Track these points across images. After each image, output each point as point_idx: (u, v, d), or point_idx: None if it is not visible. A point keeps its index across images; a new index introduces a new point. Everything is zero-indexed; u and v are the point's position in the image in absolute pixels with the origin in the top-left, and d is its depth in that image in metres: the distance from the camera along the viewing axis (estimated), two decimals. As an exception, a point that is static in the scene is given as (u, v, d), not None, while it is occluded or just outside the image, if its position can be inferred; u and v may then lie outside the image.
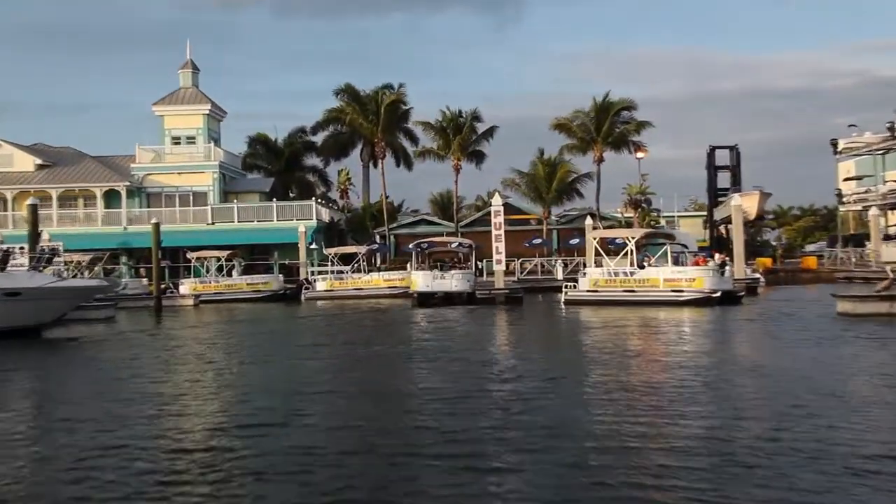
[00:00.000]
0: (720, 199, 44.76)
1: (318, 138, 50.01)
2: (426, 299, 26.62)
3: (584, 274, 25.71)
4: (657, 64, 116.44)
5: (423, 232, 42.61)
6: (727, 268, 25.24)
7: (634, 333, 14.17)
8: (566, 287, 25.74)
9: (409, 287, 28.30)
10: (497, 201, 28.10)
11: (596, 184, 43.16)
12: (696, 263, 25.61)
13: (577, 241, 36.83)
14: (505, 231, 27.82)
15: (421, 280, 27.02)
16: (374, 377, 11.13)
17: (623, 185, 44.18)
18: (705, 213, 50.26)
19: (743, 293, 24.36)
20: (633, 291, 24.08)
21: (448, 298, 26.87)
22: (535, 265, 37.15)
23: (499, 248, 27.06)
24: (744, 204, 34.41)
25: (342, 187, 49.42)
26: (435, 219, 49.28)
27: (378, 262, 41.68)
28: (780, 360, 11.49)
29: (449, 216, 54.19)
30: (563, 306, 24.29)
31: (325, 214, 42.97)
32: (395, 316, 22.78)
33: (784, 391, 9.14)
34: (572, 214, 46.96)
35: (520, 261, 37.06)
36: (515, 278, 34.60)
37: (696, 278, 23.35)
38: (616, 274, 24.75)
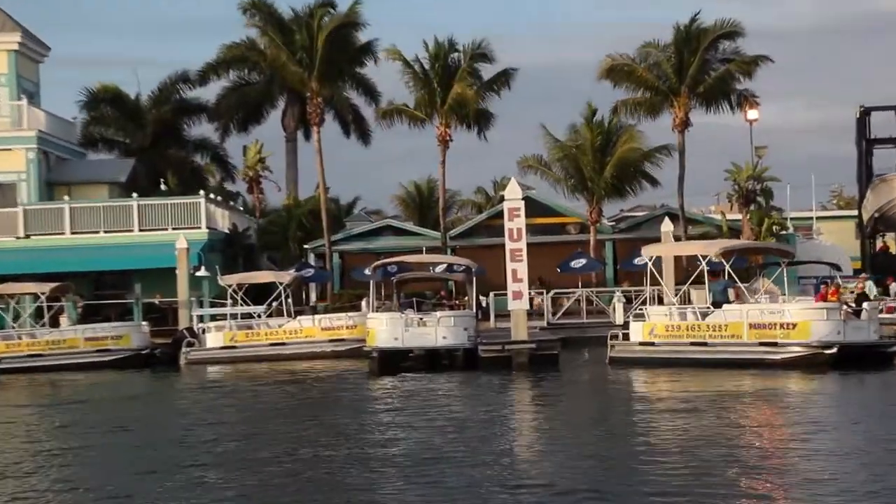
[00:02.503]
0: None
1: (211, 92, 49.91)
2: (393, 362, 27.02)
3: (639, 316, 27.00)
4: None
5: (389, 248, 42.57)
6: (875, 304, 26.24)
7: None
8: (612, 339, 27.13)
9: (363, 340, 28.57)
10: (514, 193, 27.96)
11: (678, 164, 42.72)
12: (823, 296, 26.24)
13: (644, 259, 36.19)
14: (528, 245, 27.80)
15: (385, 329, 27.30)
16: None
17: (724, 168, 43.88)
18: (857, 211, 50.14)
19: (895, 349, 24.91)
20: (704, 345, 25.22)
21: (431, 359, 27.48)
22: (579, 300, 37.39)
23: (518, 272, 26.89)
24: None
25: (252, 174, 49.34)
26: (408, 226, 49.07)
27: (313, 298, 41.99)
28: None
29: (431, 221, 54.13)
30: (608, 368, 25.86)
31: (224, 220, 43.01)
32: (337, 397, 23.01)
33: None
34: (638, 216, 47.03)
35: (551, 293, 37.34)
36: (545, 323, 35.26)
37: (796, 324, 23.98)
38: (685, 317, 25.89)
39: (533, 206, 37.34)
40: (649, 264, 28.24)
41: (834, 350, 23.61)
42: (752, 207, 42.36)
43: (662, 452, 13.46)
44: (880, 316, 29.33)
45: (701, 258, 26.78)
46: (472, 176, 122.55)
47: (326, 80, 43.08)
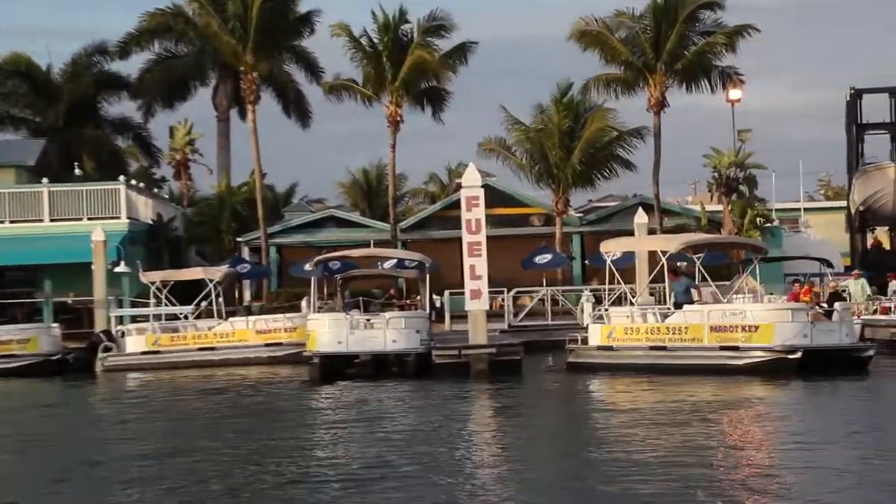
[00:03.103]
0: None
1: (132, 66, 49.81)
2: (336, 368, 27.13)
3: (600, 318, 27.63)
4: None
5: (332, 241, 43.09)
6: (848, 304, 26.60)
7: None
8: (571, 343, 27.74)
9: (303, 345, 28.51)
10: (473, 180, 27.71)
11: (654, 149, 43.08)
12: (795, 296, 26.54)
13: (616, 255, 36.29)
14: (488, 238, 27.69)
15: (327, 331, 27.30)
16: None
17: (703, 153, 44.44)
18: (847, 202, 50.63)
19: (870, 354, 25.03)
20: (664, 349, 25.61)
21: (379, 366, 27.54)
22: (543, 299, 37.65)
23: (476, 268, 26.85)
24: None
25: (179, 158, 49.17)
26: (353, 216, 49.38)
27: (247, 297, 41.99)
28: None
29: (379, 212, 54.52)
30: (566, 375, 26.38)
31: (146, 209, 42.80)
32: (273, 408, 22.86)
33: None
34: (609, 206, 47.42)
35: (512, 292, 37.43)
36: (506, 325, 35.44)
37: (759, 327, 24.18)
38: (645, 317, 26.39)
39: (493, 196, 37.47)
40: (608, 261, 28.67)
41: (798, 355, 23.72)
42: (733, 197, 42.74)
43: (621, 472, 13.43)
44: (872, 318, 29.84)
45: (661, 254, 27.20)
46: (425, 162, 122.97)
47: (263, 53, 42.99)
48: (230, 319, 34.20)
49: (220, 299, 34.88)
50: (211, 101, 49.63)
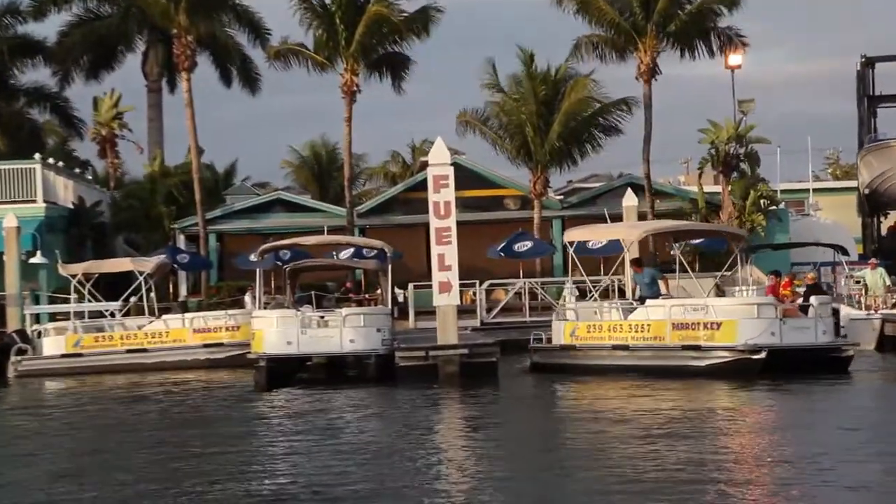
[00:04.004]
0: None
1: (49, 28, 49.50)
2: (285, 373, 27.28)
3: (563, 314, 28.65)
4: None
5: (280, 227, 43.49)
6: (827, 298, 27.08)
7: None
8: (535, 342, 28.75)
9: (247, 346, 28.71)
10: (441, 156, 27.62)
11: (644, 121, 43.20)
12: (774, 289, 27.24)
13: (600, 242, 36.65)
14: (458, 223, 27.56)
15: (275, 330, 27.36)
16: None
17: (700, 127, 44.48)
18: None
19: (850, 353, 25.62)
20: (626, 349, 26.57)
21: (334, 369, 27.99)
22: (520, 293, 37.91)
23: (446, 257, 26.82)
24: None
25: (105, 134, 48.59)
26: (304, 200, 49.17)
27: (183, 291, 42.32)
28: None
29: (333, 195, 54.48)
30: (529, 378, 27.46)
31: (67, 191, 42.67)
32: (213, 418, 22.99)
33: None
34: (594, 188, 47.58)
35: (485, 285, 37.71)
36: (479, 322, 35.84)
37: (721, 324, 24.82)
38: (609, 314, 27.32)
39: (463, 176, 37.63)
40: (571, 251, 29.30)
41: (762, 355, 24.17)
42: (733, 176, 42.89)
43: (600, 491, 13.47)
44: (893, 312, 29.79)
45: (624, 243, 27.89)
46: (385, 140, 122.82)
47: (198, 13, 42.85)
48: (163, 317, 34.25)
49: (152, 294, 34.86)
50: (140, 68, 49.59)
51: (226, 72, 49.60)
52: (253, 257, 32.51)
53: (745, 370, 24.15)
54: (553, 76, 42.53)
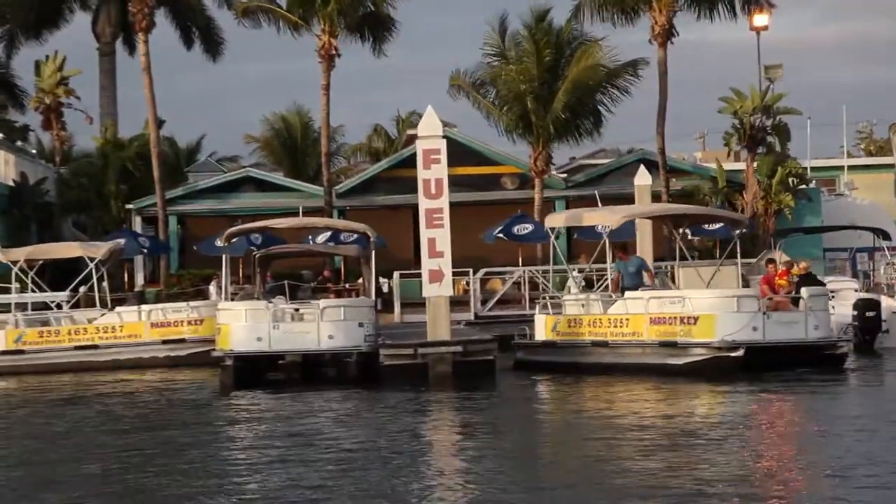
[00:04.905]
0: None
1: None
2: (255, 372, 27.53)
3: (545, 306, 29.66)
4: None
5: (249, 209, 43.73)
6: (822, 289, 27.67)
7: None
8: (519, 337, 29.68)
9: (212, 342, 28.86)
10: (432, 127, 27.50)
11: (659, 89, 43.17)
12: (769, 280, 27.72)
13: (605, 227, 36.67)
14: (450, 204, 27.69)
15: (244, 325, 27.59)
16: None
17: (719, 96, 44.50)
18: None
19: (845, 350, 26.70)
20: (606, 345, 27.23)
21: (311, 368, 27.98)
22: (519, 282, 38.26)
23: (438, 242, 26.89)
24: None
25: (49, 102, 48.51)
26: (276, 178, 49.57)
27: (139, 280, 42.65)
28: None
29: (309, 172, 55.11)
30: (512, 376, 27.99)
31: (7, 167, 43.71)
32: (173, 423, 22.90)
33: None
34: (601, 165, 47.71)
35: (480, 274, 37.95)
36: (473, 315, 36.26)
37: (698, 318, 25.62)
38: (590, 307, 28.10)
39: (455, 151, 37.36)
40: (552, 239, 30.06)
41: (740, 353, 24.82)
42: (759, 151, 42.93)
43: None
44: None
45: (603, 229, 28.59)
46: (366, 112, 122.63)
47: None
48: (118, 309, 34.26)
49: (104, 284, 34.93)
50: (91, 28, 49.54)
51: (187, 33, 49.71)
52: (219, 242, 32.42)
53: (723, 369, 24.68)
54: (557, 38, 42.56)
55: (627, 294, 27.29)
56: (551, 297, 30.22)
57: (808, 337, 25.54)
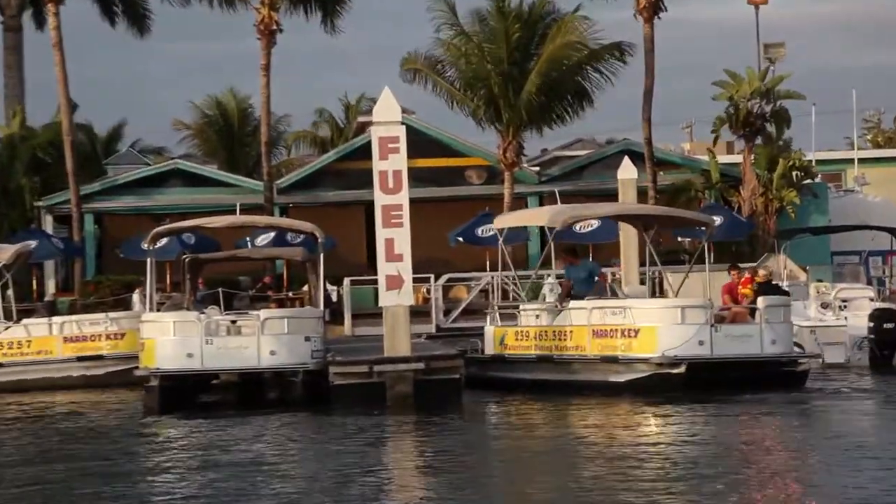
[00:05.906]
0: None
1: None
2: (185, 394, 27.69)
3: (494, 319, 30.51)
4: None
5: (178, 206, 43.88)
6: (785, 299, 28.26)
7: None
8: (470, 351, 30.13)
9: (136, 358, 28.89)
10: (389, 111, 27.41)
11: (645, 71, 43.47)
12: (732, 288, 28.52)
13: (595, 225, 37.77)
14: (410, 200, 27.85)
15: (172, 339, 27.56)
16: None
17: (711, 81, 44.95)
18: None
19: (807, 367, 27.01)
20: (549, 360, 28.00)
21: (250, 389, 28.30)
22: (487, 290, 38.49)
23: (396, 244, 26.98)
24: None
25: None
26: (209, 171, 49.50)
27: (50, 288, 42.59)
28: None
29: (246, 164, 55.80)
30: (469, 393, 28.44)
31: None
32: (90, 454, 22.71)
33: None
34: (579, 156, 48.11)
35: (441, 280, 38.50)
36: (434, 328, 36.82)
37: (639, 330, 26.18)
38: (538, 318, 28.81)
39: (413, 141, 37.24)
40: (500, 242, 30.57)
41: (681, 369, 25.32)
42: (756, 140, 43.29)
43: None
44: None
45: (548, 231, 29.09)
46: (312, 96, 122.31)
47: None
48: (24, 322, 34.40)
49: (9, 292, 35.03)
50: None
51: (108, 6, 49.58)
52: (144, 245, 32.07)
53: (664, 387, 25.18)
54: (530, 13, 42.82)
55: (573, 304, 27.84)
56: (500, 307, 30.89)
57: (763, 352, 25.97)
